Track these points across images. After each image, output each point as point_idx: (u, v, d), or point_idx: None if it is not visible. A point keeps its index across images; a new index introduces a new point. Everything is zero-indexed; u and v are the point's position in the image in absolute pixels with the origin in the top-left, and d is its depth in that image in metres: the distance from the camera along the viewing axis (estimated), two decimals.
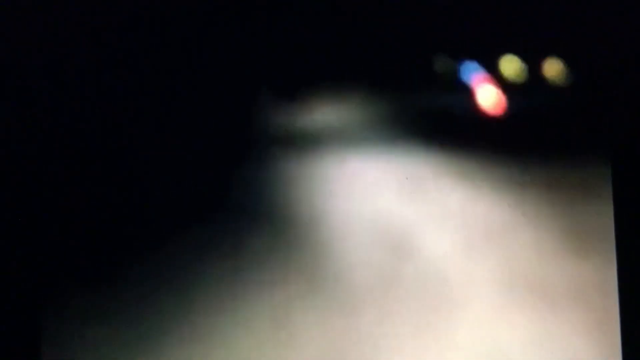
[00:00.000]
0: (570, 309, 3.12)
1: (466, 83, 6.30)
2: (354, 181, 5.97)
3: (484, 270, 3.82)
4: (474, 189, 5.30)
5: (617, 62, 3.64)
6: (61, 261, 3.23)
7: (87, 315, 3.50)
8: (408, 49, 5.43)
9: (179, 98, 4.84)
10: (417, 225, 4.88)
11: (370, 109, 6.64)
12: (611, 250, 2.92)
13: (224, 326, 3.71)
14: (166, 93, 4.68)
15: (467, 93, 6.26)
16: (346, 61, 6.06)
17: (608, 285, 3.03)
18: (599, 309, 2.94)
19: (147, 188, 4.28)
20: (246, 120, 5.40)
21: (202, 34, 4.32)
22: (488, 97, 6.45)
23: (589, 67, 3.86)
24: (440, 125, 6.14)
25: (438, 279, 4.07)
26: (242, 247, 4.32)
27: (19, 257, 2.92)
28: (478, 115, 6.60)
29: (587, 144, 3.45)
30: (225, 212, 4.56)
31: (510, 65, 5.45)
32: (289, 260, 4.40)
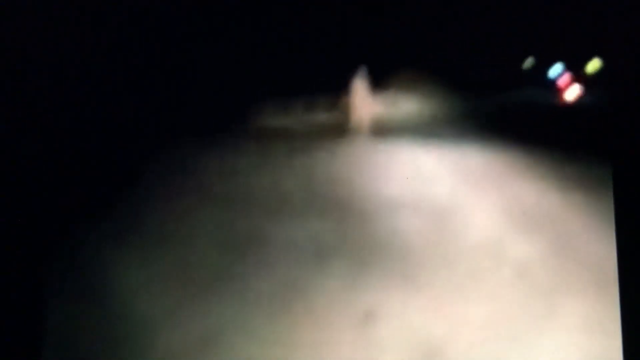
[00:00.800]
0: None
1: (547, 80, 6.57)
2: (422, 171, 6.14)
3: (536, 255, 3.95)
4: (541, 185, 5.36)
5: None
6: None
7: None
8: (487, 46, 5.57)
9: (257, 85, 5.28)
10: (475, 213, 4.95)
11: (447, 104, 6.87)
12: None
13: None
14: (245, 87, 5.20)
15: (546, 89, 6.52)
16: (427, 56, 6.25)
17: None
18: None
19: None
20: (326, 108, 5.74)
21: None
22: (567, 93, 6.68)
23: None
24: (515, 123, 6.14)
25: (486, 261, 4.26)
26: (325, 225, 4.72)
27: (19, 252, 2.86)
28: (554, 111, 6.61)
29: None
30: (306, 196, 5.09)
31: (592, 65, 5.79)
32: (358, 238, 4.78)
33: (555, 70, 6.00)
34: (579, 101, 7.10)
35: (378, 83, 7.32)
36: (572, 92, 6.46)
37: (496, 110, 7.90)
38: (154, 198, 4.74)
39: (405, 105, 7.91)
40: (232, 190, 4.73)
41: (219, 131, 5.18)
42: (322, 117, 6.46)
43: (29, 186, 3.81)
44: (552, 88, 6.56)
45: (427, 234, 4.65)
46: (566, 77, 6.07)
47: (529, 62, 6.45)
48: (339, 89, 6.79)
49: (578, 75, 6.28)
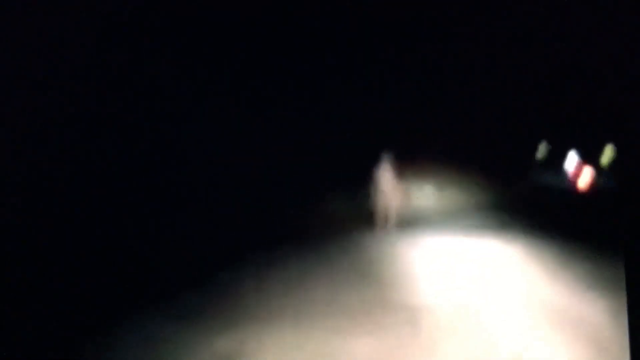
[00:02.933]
0: None
1: (561, 168, 10.69)
2: (446, 256, 8.56)
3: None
4: (557, 277, 7.43)
5: None
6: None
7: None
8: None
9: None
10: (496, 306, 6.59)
11: (467, 193, 10.64)
12: None
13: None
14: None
15: (561, 176, 10.22)
16: (448, 146, 10.31)
17: None
18: None
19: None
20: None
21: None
22: (580, 180, 10.91)
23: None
24: (532, 210, 10.13)
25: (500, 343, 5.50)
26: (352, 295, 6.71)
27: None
28: (569, 197, 10.43)
29: None
30: (345, 273, 7.47)
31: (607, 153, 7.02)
32: (388, 303, 6.56)
33: (570, 159, 10.83)
34: (592, 187, 11.22)
35: (403, 173, 11.20)
36: (585, 179, 10.98)
37: (514, 199, 13.13)
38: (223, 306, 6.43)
39: (431, 194, 12.67)
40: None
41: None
42: (352, 206, 10.50)
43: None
44: (567, 175, 11.34)
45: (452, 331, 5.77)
46: (579, 166, 10.75)
47: (542, 151, 9.66)
48: (368, 179, 10.43)
49: (591, 163, 10.09)
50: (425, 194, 10.96)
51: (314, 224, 10.18)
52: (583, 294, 6.27)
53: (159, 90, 10.54)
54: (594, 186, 10.57)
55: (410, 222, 9.94)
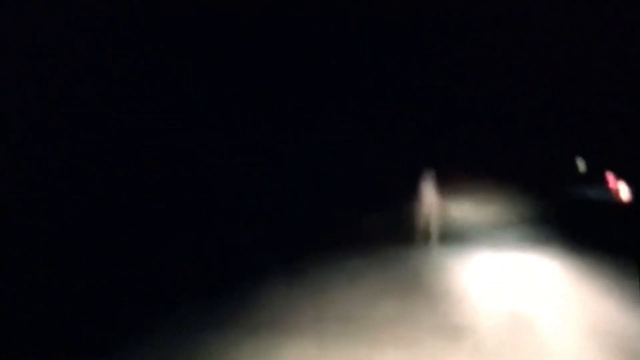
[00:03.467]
0: None
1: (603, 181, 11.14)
2: (486, 271, 8.67)
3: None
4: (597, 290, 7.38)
5: None
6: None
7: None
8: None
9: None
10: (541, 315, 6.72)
11: (518, 211, 10.95)
12: None
13: None
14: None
15: (603, 190, 10.68)
16: (488, 161, 10.56)
17: None
18: None
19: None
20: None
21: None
22: (626, 193, 11.18)
23: None
24: (574, 223, 10.29)
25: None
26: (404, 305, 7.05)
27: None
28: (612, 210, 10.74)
29: None
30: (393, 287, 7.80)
31: None
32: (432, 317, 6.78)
33: (608, 174, 10.94)
34: (633, 201, 11.36)
35: (443, 189, 11.07)
36: (626, 193, 11.17)
37: (557, 212, 13.20)
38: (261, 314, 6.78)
39: (472, 209, 12.47)
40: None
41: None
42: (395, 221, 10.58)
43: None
44: (608, 189, 11.44)
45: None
46: (616, 180, 10.95)
47: (582, 165, 10.03)
48: (409, 196, 10.67)
49: (628, 179, 10.56)
50: (466, 209, 11.14)
51: (355, 239, 10.15)
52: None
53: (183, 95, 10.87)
54: (635, 200, 10.70)
55: (452, 237, 10.01)
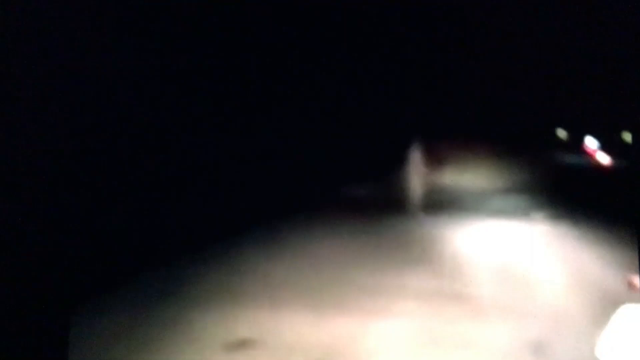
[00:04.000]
0: None
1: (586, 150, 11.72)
2: (479, 236, 9.06)
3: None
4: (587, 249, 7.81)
5: None
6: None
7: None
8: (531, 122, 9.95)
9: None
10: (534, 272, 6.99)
11: (503, 177, 11.50)
12: None
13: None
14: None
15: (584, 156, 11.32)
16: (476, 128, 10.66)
17: None
18: None
19: None
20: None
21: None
22: (605, 159, 11.75)
23: None
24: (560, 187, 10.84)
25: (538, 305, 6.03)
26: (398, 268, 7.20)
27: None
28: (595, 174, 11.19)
29: None
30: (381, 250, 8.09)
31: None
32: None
33: (587, 142, 11.69)
34: (612, 166, 12.01)
35: (435, 156, 11.58)
36: (605, 159, 11.85)
37: (541, 178, 13.72)
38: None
39: (460, 177, 12.41)
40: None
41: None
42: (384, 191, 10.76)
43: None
44: (588, 155, 12.16)
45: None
46: (595, 148, 11.70)
47: (563, 134, 10.46)
48: (396, 166, 11.16)
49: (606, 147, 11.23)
50: (455, 177, 11.40)
51: (345, 209, 10.47)
52: None
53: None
54: (613, 165, 11.23)
55: (441, 205, 10.29)
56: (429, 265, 7.02)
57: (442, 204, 10.16)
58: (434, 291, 6.18)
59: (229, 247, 7.70)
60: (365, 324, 5.21)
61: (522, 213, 9.72)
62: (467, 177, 11.38)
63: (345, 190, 11.13)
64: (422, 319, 5.40)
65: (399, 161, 10.62)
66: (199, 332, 5.02)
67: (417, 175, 10.43)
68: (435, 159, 11.06)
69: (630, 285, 2.88)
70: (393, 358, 4.69)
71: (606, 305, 3.46)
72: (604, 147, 11.55)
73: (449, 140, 11.52)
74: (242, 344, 4.78)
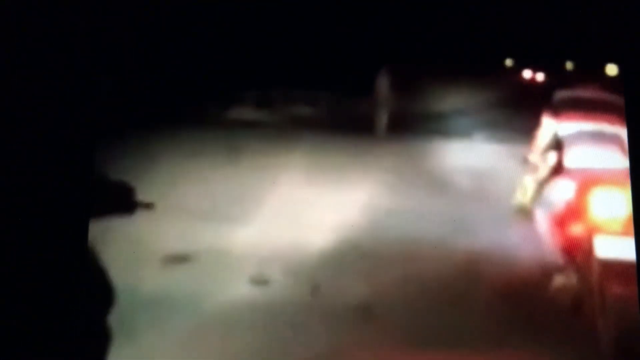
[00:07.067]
0: None
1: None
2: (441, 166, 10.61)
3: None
4: None
5: None
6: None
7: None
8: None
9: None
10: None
11: (452, 100, 12.76)
12: None
13: None
14: None
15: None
16: (438, 54, 11.28)
17: None
18: None
19: None
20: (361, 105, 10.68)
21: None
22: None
23: None
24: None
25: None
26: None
27: None
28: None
29: None
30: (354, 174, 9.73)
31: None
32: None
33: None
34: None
35: (398, 81, 14.21)
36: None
37: (494, 104, 15.38)
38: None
39: (420, 102, 15.11)
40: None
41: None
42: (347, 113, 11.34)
43: None
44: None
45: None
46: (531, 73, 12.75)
47: (508, 62, 11.35)
48: (363, 87, 12.49)
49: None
50: (419, 102, 11.92)
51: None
52: None
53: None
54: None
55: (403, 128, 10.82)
56: None
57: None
58: None
59: None
60: None
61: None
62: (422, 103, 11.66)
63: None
64: None
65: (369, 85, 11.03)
66: None
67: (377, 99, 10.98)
68: (398, 83, 11.41)
69: (524, 161, 3.83)
70: None
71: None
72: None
73: (411, 66, 11.93)
74: None
